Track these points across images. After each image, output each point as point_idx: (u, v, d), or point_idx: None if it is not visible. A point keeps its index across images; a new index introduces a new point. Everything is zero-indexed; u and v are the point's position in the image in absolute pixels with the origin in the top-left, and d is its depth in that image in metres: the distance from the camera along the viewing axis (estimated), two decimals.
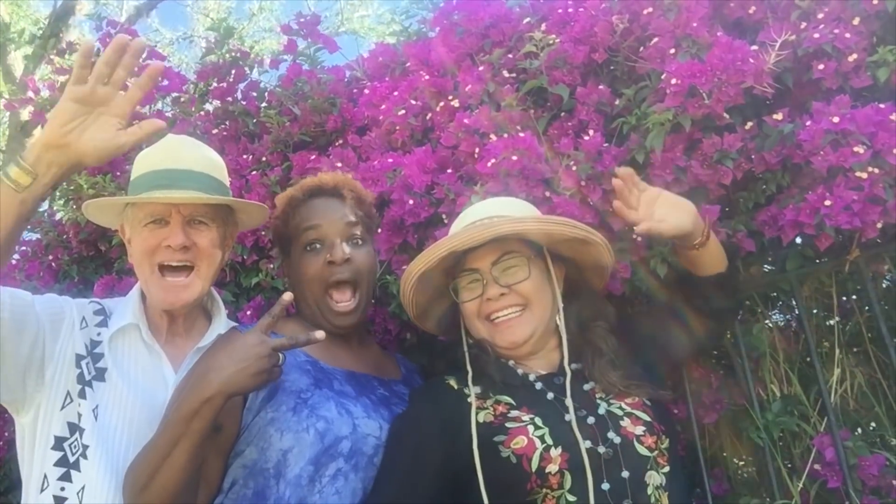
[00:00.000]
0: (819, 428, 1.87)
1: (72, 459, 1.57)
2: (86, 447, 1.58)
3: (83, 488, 1.55)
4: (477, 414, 1.47)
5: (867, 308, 2.07)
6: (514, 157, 1.81)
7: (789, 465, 1.89)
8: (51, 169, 1.40)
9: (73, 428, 1.59)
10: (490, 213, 1.62)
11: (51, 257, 2.92)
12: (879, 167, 1.58)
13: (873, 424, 1.96)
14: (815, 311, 2.08)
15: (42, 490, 1.56)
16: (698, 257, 1.62)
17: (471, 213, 1.67)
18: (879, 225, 1.61)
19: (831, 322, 2.15)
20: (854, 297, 2.12)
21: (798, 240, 1.85)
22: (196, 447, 1.39)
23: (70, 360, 1.64)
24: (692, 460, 1.91)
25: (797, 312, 2.17)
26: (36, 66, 7.61)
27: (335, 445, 1.51)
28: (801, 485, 1.76)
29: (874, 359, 2.03)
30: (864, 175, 1.57)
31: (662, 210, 1.56)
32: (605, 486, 1.35)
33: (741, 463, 2.12)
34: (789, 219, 1.67)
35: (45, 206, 4.22)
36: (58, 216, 3.02)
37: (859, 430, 1.94)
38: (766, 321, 2.14)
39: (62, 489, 1.55)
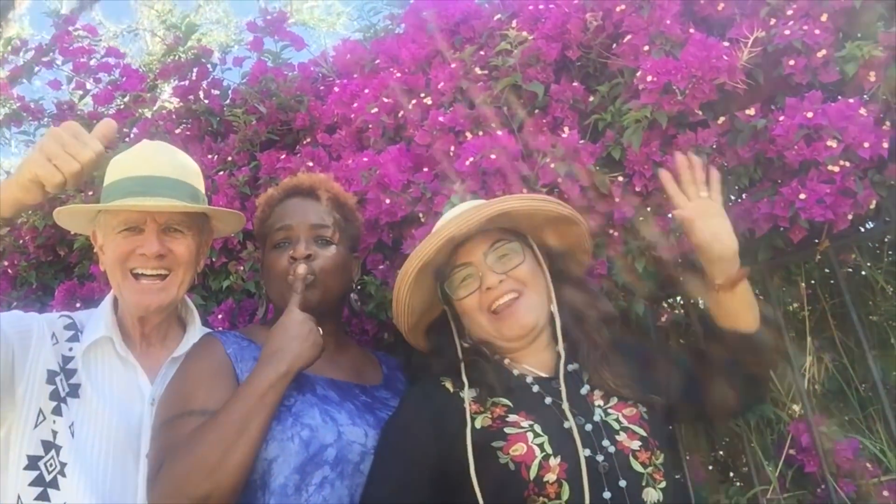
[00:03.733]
0: (792, 413, 1.93)
1: (48, 478, 1.52)
2: (63, 464, 1.53)
3: None
4: (474, 419, 1.45)
5: (828, 296, 2.14)
6: (493, 156, 1.81)
7: (764, 448, 1.94)
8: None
9: (49, 446, 1.54)
10: (470, 206, 1.60)
11: (6, 263, 2.81)
12: (850, 160, 1.63)
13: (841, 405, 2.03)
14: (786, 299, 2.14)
15: None
16: (723, 301, 1.56)
17: (451, 212, 1.66)
18: (850, 216, 1.66)
19: (793, 308, 2.22)
20: (814, 283, 2.18)
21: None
22: (269, 421, 1.44)
23: (41, 378, 1.58)
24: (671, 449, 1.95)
25: (762, 298, 2.24)
26: None
27: (320, 453, 1.49)
28: (778, 470, 1.81)
29: (839, 343, 2.10)
30: (836, 168, 1.61)
31: (712, 221, 1.53)
32: (607, 494, 1.33)
33: (711, 448, 2.17)
34: (764, 212, 1.70)
35: None
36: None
37: (829, 413, 2.00)
38: None
39: None
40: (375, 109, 2.19)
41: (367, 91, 2.25)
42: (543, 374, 1.54)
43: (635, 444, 1.41)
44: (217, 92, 2.68)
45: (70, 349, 1.65)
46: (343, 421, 1.55)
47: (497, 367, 1.56)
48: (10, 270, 2.80)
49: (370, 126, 2.21)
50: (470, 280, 1.56)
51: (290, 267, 1.69)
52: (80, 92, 2.80)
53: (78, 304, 2.47)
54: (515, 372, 1.55)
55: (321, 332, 1.58)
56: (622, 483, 1.35)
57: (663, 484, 1.40)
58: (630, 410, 1.48)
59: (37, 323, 1.64)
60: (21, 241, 2.79)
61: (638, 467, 1.38)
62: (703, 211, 1.54)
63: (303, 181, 1.82)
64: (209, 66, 2.71)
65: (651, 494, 1.37)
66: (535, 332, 1.54)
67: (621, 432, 1.43)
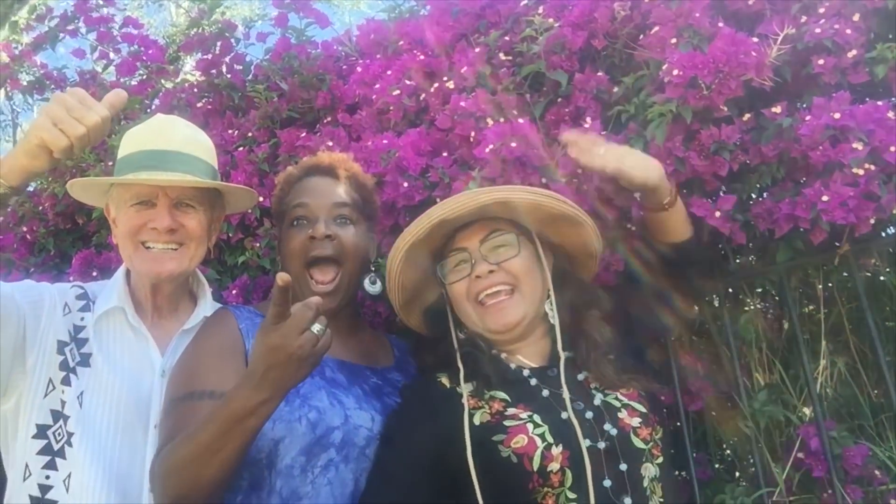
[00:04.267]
0: (803, 416, 1.91)
1: (56, 447, 1.55)
2: (70, 434, 1.55)
3: (69, 475, 1.53)
4: (473, 415, 1.44)
5: (845, 299, 2.12)
6: (513, 144, 1.80)
7: (772, 449, 1.93)
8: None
9: (57, 415, 1.56)
10: (476, 190, 1.59)
11: (25, 229, 2.84)
12: (875, 164, 1.60)
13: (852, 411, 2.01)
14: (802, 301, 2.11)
15: (24, 479, 1.53)
16: (665, 221, 1.62)
17: (458, 195, 1.65)
18: (872, 221, 1.64)
19: (808, 310, 2.20)
20: (831, 286, 2.15)
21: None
22: (248, 445, 1.32)
23: (52, 348, 1.60)
24: (678, 446, 1.94)
25: (778, 299, 2.22)
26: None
27: (327, 436, 1.50)
28: (785, 473, 1.80)
29: (854, 348, 2.08)
30: (861, 171, 1.58)
31: (631, 160, 1.55)
32: (607, 482, 1.34)
33: (718, 448, 2.16)
34: (785, 212, 1.68)
35: None
36: (32, 186, 2.93)
37: (840, 418, 1.99)
38: (750, 307, 2.17)
39: (47, 477, 1.53)
40: (397, 91, 2.17)
41: (389, 72, 2.24)
42: (537, 365, 1.55)
43: (636, 421, 1.42)
44: (240, 67, 2.67)
45: (82, 319, 1.66)
46: (350, 405, 1.56)
47: (493, 359, 1.55)
48: (28, 237, 2.83)
49: (391, 108, 2.20)
50: (463, 266, 1.56)
51: (307, 245, 1.68)
52: (104, 62, 2.80)
53: (94, 273, 2.49)
54: (512, 365, 1.55)
55: (326, 326, 1.34)
56: (623, 466, 1.36)
57: (660, 459, 1.42)
58: (626, 389, 1.49)
59: (48, 293, 1.65)
60: (40, 208, 2.81)
61: (639, 444, 1.40)
62: (618, 156, 1.55)
63: (322, 160, 1.81)
64: (233, 40, 2.70)
65: (649, 470, 1.39)
66: (520, 328, 1.54)
67: (623, 409, 1.44)
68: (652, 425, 1.44)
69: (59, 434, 1.55)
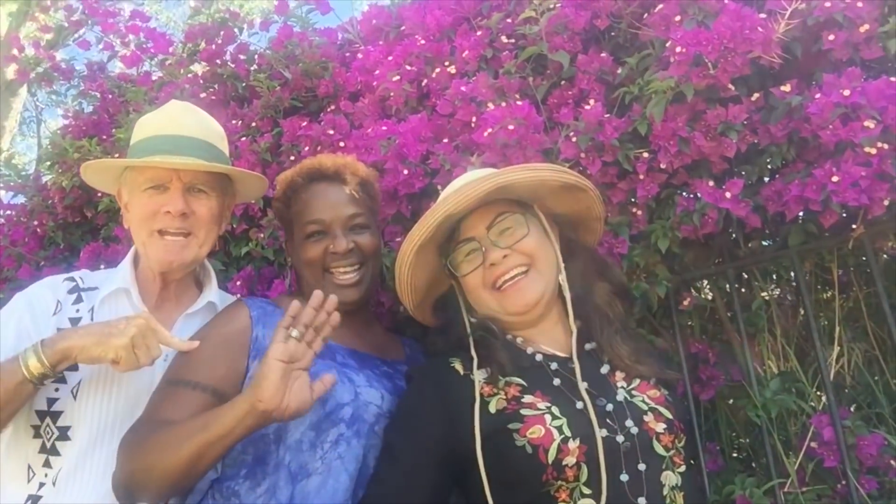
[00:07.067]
0: (816, 405, 1.85)
1: (49, 445, 1.55)
2: (65, 429, 1.56)
3: (61, 469, 1.54)
4: (488, 402, 1.39)
5: (863, 284, 2.05)
6: (511, 127, 1.76)
7: (784, 439, 1.87)
8: None
9: (42, 414, 1.57)
10: (472, 178, 1.54)
11: (36, 223, 2.86)
12: (889, 142, 1.54)
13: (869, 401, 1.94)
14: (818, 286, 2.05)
15: (29, 480, 1.55)
16: None
17: (453, 185, 1.61)
18: (886, 202, 1.57)
19: (826, 295, 2.13)
20: (852, 269, 2.09)
21: (800, 214, 1.81)
22: (229, 448, 1.36)
23: None
24: (689, 436, 1.89)
25: (795, 284, 2.15)
26: (20, 23, 7.43)
27: (336, 411, 1.49)
28: (797, 463, 1.75)
29: (872, 334, 2.01)
30: (874, 150, 1.52)
31: None
32: (624, 477, 1.30)
33: (734, 436, 2.11)
34: (794, 194, 1.62)
35: (31, 169, 4.15)
36: (43, 180, 2.95)
37: (854, 406, 1.93)
38: (764, 294, 2.11)
39: (45, 475, 1.54)
40: (397, 77, 2.13)
41: (390, 58, 2.20)
42: (560, 354, 1.49)
43: (660, 427, 1.37)
44: (243, 56, 2.65)
45: (77, 311, 1.66)
46: (360, 382, 1.56)
47: (507, 344, 1.51)
48: (38, 230, 2.84)
49: (392, 94, 2.17)
50: (474, 255, 1.51)
51: (326, 256, 1.71)
52: (109, 53, 2.79)
53: (102, 266, 2.49)
54: (529, 350, 1.50)
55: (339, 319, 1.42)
56: (641, 466, 1.31)
57: (682, 468, 1.37)
58: (654, 392, 1.44)
59: (36, 300, 1.65)
60: (49, 202, 2.82)
61: (660, 450, 1.35)
62: None
63: (326, 165, 1.79)
64: (236, 29, 2.68)
65: (670, 478, 1.34)
66: (540, 306, 1.49)
67: (649, 413, 1.38)
68: (676, 432, 1.39)
69: (47, 432, 1.56)
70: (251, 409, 1.30)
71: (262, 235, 2.30)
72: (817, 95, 1.59)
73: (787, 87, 1.67)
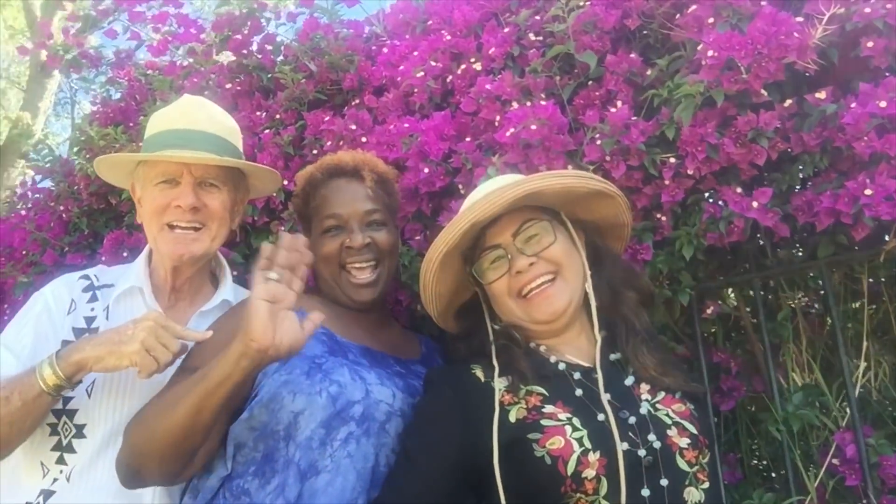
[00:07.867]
0: (840, 420, 1.80)
1: (65, 442, 1.57)
2: (81, 427, 1.57)
3: (75, 466, 1.56)
4: (508, 411, 1.37)
5: (895, 296, 1.99)
6: (534, 127, 1.72)
7: (805, 450, 1.83)
8: None
9: (59, 413, 1.58)
10: (498, 184, 1.51)
11: (62, 208, 2.88)
12: None
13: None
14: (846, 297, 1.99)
15: (44, 476, 1.56)
16: None
17: (478, 191, 1.58)
18: None
19: (855, 305, 2.07)
20: (882, 280, 2.03)
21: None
22: (227, 397, 1.36)
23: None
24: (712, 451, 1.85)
25: (822, 293, 2.09)
26: (53, 11, 7.52)
27: (347, 409, 1.48)
28: (818, 480, 1.71)
29: None
30: None
31: None
32: (646, 492, 1.27)
33: (755, 447, 2.07)
34: (826, 206, 1.58)
35: (64, 149, 4.19)
36: (72, 165, 2.96)
37: (881, 424, 1.87)
38: (791, 304, 2.06)
39: (60, 472, 1.56)
40: (422, 73, 2.11)
41: (415, 53, 2.18)
42: (583, 363, 1.47)
43: (684, 442, 1.34)
44: (270, 47, 2.64)
45: (92, 309, 1.67)
46: (372, 381, 1.55)
47: (530, 352, 1.49)
48: (64, 215, 2.87)
49: (416, 90, 2.14)
50: (500, 263, 1.49)
51: (343, 252, 1.71)
52: (136, 42, 2.80)
53: (125, 254, 2.51)
54: (552, 359, 1.47)
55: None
56: (664, 482, 1.28)
57: (706, 484, 1.34)
58: (679, 406, 1.41)
59: (46, 313, 1.66)
60: (75, 188, 2.85)
61: (683, 465, 1.32)
62: None
63: (345, 161, 1.79)
64: (262, 20, 2.66)
65: (693, 494, 1.31)
66: (566, 315, 1.46)
67: (673, 427, 1.35)
68: (700, 448, 1.35)
69: (66, 429, 1.57)
70: (245, 349, 1.28)
71: (283, 228, 2.30)
72: (853, 105, 1.53)
73: (822, 95, 1.62)
